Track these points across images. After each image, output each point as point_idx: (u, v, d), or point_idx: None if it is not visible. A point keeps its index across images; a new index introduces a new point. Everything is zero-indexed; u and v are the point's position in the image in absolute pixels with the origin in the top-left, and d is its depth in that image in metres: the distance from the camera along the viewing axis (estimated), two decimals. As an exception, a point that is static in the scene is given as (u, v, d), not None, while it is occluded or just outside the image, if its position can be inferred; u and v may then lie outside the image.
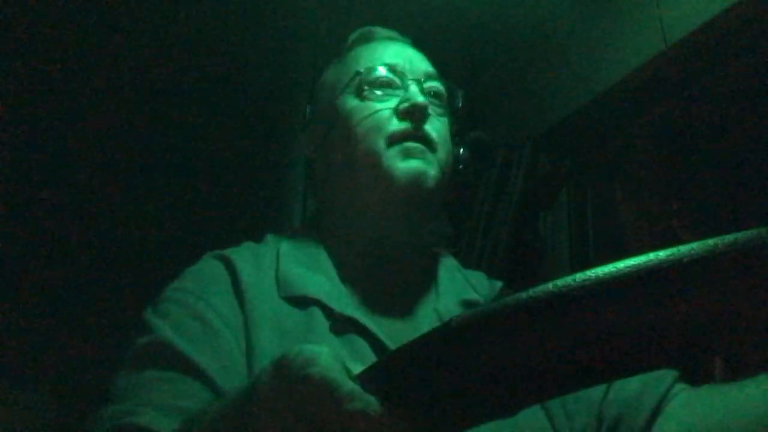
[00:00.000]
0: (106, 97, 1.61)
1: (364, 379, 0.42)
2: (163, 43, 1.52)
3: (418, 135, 0.80)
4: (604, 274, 0.36)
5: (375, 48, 0.89)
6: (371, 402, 0.41)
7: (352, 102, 0.83)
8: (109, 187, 1.70)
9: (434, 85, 0.86)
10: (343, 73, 0.87)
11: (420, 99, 0.81)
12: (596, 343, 0.37)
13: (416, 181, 0.78)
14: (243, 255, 0.79)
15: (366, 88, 0.83)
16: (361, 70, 0.84)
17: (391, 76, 0.84)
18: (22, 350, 1.56)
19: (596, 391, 0.75)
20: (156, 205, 1.71)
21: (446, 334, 0.39)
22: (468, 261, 1.44)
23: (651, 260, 0.36)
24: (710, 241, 0.35)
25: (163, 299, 0.75)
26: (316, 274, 0.79)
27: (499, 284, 0.91)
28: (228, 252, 0.80)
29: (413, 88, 0.82)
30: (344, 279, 0.79)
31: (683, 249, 0.35)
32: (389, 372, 0.42)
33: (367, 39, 0.92)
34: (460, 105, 0.90)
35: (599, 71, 1.40)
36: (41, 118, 1.60)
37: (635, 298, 0.36)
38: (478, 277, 0.92)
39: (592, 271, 0.36)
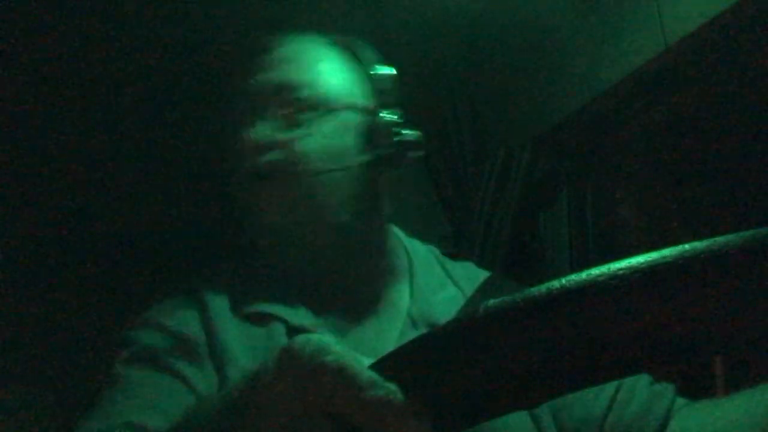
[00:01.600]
0: (104, 96, 1.61)
1: (379, 369, 0.41)
2: (161, 40, 1.52)
3: None
4: (639, 263, 0.35)
5: None
6: (393, 389, 0.39)
7: None
8: (109, 186, 1.70)
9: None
10: None
11: None
12: (625, 336, 0.36)
13: None
14: (209, 278, 0.81)
15: None
16: None
17: None
18: (22, 350, 1.56)
19: (596, 410, 0.74)
20: (156, 204, 1.71)
21: (471, 323, 0.38)
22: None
23: (687, 250, 0.35)
24: (748, 233, 0.35)
25: (138, 323, 0.77)
26: (269, 288, 0.79)
27: (484, 274, 0.89)
28: (196, 278, 0.82)
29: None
30: (300, 289, 0.79)
31: (721, 240, 0.35)
32: (409, 360, 0.41)
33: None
34: None
35: (599, 71, 1.40)
36: (39, 116, 1.60)
37: (671, 289, 0.35)
38: (463, 268, 0.91)
39: (625, 261, 0.36)
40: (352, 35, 0.93)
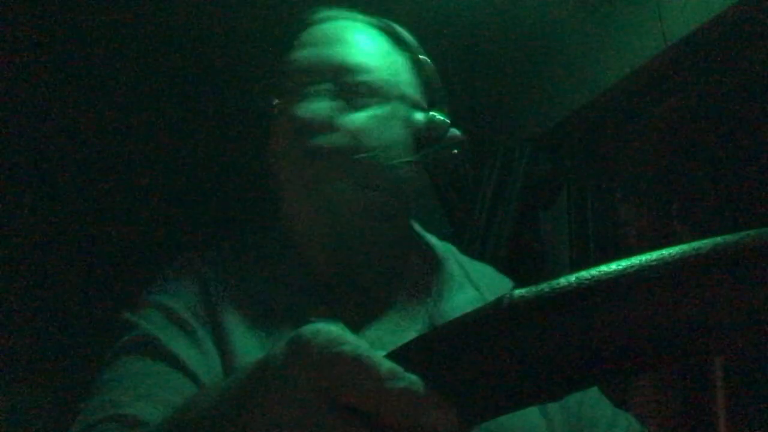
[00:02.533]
0: (102, 95, 1.61)
1: (398, 359, 0.39)
2: (159, 38, 1.52)
3: None
4: (671, 255, 0.35)
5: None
6: (415, 381, 0.37)
7: None
8: (110, 186, 1.70)
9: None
10: None
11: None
12: (648, 328, 0.35)
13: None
14: (214, 260, 0.80)
15: None
16: None
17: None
18: (22, 350, 1.56)
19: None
20: (156, 205, 1.71)
21: (496, 312, 0.37)
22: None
23: (720, 243, 0.35)
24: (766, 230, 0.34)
25: (140, 303, 0.76)
26: (283, 283, 0.78)
27: (505, 281, 0.88)
28: (199, 259, 0.80)
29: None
30: (317, 282, 0.78)
31: (753, 233, 0.34)
32: (430, 350, 0.39)
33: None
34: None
35: (599, 71, 1.40)
36: (37, 114, 1.60)
37: (703, 281, 0.35)
38: (483, 271, 0.89)
39: (656, 252, 0.35)
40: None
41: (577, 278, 0.36)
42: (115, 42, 1.51)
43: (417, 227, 0.88)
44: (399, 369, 0.37)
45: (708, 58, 1.22)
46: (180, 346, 0.69)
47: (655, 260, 0.35)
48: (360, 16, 0.87)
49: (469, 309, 0.74)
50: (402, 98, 0.81)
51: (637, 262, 0.36)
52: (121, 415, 0.62)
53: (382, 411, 0.36)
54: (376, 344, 0.70)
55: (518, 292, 0.37)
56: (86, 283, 1.64)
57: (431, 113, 0.82)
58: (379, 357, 0.38)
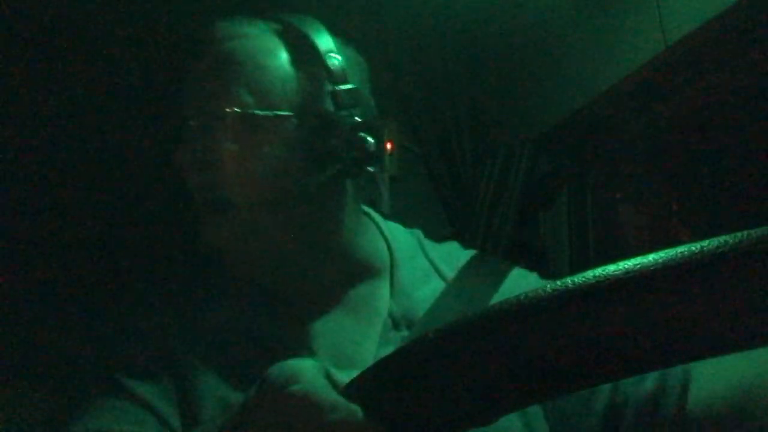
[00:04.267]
0: (100, 93, 1.61)
1: (350, 390, 0.44)
2: (156, 36, 1.52)
3: None
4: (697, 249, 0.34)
5: None
6: (354, 411, 0.43)
7: None
8: (110, 186, 1.70)
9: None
10: None
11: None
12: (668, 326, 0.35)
13: None
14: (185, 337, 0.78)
15: None
16: None
17: None
18: (22, 350, 1.56)
19: (597, 403, 0.71)
20: (156, 205, 1.71)
21: (424, 346, 0.40)
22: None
23: (744, 236, 0.34)
24: None
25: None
26: (241, 306, 0.77)
27: (466, 254, 0.85)
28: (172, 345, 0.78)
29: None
30: (272, 301, 0.76)
31: (745, 233, 0.34)
32: (372, 381, 0.44)
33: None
34: None
35: (599, 71, 1.40)
36: (36, 113, 1.60)
37: (721, 279, 0.34)
38: (448, 251, 0.86)
39: (682, 247, 0.35)
40: (352, 35, 0.87)
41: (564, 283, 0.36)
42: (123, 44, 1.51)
43: (378, 221, 0.83)
44: (342, 401, 0.43)
45: (708, 59, 1.22)
46: (148, 391, 0.70)
47: (659, 260, 0.35)
48: (252, 23, 0.77)
49: (432, 301, 0.73)
50: (299, 112, 0.72)
51: (661, 257, 0.35)
52: None
53: None
54: (338, 352, 0.70)
55: (444, 325, 0.40)
56: (86, 283, 1.64)
57: (336, 119, 0.71)
58: (326, 392, 0.44)
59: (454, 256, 0.86)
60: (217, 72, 0.72)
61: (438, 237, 0.90)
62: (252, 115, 0.70)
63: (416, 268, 0.81)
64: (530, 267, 0.90)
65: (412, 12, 1.44)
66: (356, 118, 0.73)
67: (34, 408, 1.17)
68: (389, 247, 0.83)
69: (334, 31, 0.80)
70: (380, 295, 0.78)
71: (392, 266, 0.81)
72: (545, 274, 0.89)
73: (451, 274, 0.81)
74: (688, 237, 1.38)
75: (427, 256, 0.84)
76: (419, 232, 0.88)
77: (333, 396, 0.44)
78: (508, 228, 1.55)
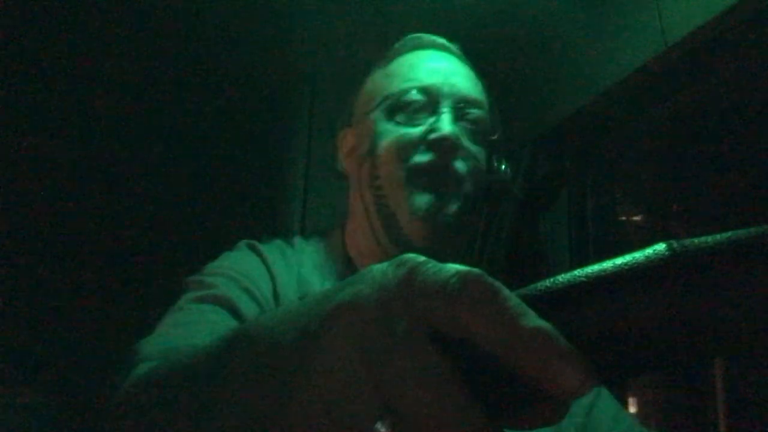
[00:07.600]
0: (100, 93, 1.61)
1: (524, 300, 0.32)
2: (158, 35, 1.52)
3: (442, 170, 0.78)
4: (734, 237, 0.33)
5: (414, 64, 0.85)
6: (548, 326, 0.29)
7: (381, 122, 0.81)
8: (110, 186, 1.70)
9: (472, 112, 0.83)
10: (381, 86, 0.85)
11: (448, 130, 0.77)
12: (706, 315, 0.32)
13: (432, 216, 0.77)
14: (274, 252, 0.82)
15: (396, 111, 0.81)
16: (393, 92, 0.82)
17: (423, 99, 0.81)
18: (22, 350, 1.56)
19: None
20: (155, 205, 1.71)
21: (660, 264, 0.34)
22: (468, 262, 1.44)
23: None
24: None
25: (208, 272, 0.77)
26: (332, 281, 0.79)
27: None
28: (261, 246, 0.82)
29: (445, 117, 0.79)
30: None
31: (746, 231, 0.33)
32: (564, 299, 0.33)
33: (410, 48, 0.89)
34: (495, 137, 0.87)
35: (599, 71, 1.40)
36: (37, 111, 1.60)
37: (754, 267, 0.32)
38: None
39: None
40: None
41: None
42: (122, 43, 1.51)
43: None
44: (529, 309, 0.30)
45: (708, 58, 1.22)
46: (249, 310, 0.71)
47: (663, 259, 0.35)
48: (450, 46, 0.93)
49: None
50: (492, 140, 0.87)
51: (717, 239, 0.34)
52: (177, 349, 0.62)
53: (509, 352, 0.29)
54: None
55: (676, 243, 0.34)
56: (86, 283, 1.64)
57: (498, 164, 0.86)
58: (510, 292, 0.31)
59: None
60: (468, 82, 0.89)
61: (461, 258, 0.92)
62: (488, 126, 0.87)
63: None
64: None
65: (411, 12, 1.45)
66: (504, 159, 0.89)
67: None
68: None
69: None
70: None
71: None
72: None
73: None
74: (688, 237, 1.37)
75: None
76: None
77: (516, 299, 0.31)
78: (508, 228, 1.55)
